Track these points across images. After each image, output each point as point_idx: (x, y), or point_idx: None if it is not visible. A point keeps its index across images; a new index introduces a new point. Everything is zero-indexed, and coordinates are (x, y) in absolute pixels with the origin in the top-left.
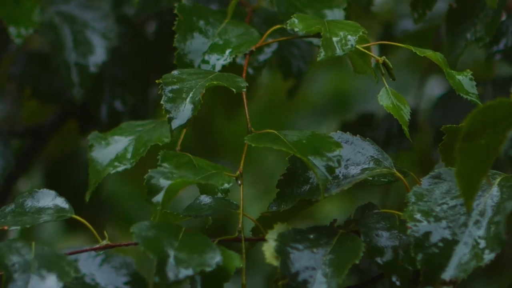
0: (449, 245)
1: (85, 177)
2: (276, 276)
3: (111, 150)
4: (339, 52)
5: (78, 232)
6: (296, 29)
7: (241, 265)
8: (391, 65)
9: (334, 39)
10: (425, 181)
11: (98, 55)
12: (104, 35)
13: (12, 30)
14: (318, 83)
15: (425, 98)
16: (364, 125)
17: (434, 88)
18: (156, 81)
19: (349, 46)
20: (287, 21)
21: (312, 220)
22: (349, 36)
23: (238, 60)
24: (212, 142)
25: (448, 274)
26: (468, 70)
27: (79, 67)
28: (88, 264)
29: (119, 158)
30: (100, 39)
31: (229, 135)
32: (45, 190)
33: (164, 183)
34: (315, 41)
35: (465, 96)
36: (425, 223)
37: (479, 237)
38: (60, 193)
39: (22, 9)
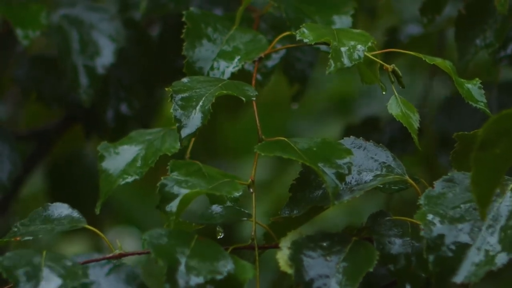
0: (462, 249)
1: (88, 178)
2: (290, 284)
3: (120, 160)
4: (347, 63)
5: (77, 236)
6: (306, 40)
7: (254, 276)
8: (400, 73)
9: (343, 49)
10: (438, 185)
11: (105, 57)
12: (111, 37)
13: (19, 32)
14: (321, 85)
15: (430, 100)
16: (368, 128)
17: (439, 89)
18: (166, 88)
19: (357, 57)
20: (297, 31)
21: (315, 222)
22: (358, 46)
23: (246, 66)
24: (213, 141)
25: (459, 277)
26: (477, 79)
27: (87, 69)
28: (96, 272)
29: (129, 168)
30: (107, 41)
31: (230, 134)
32: (58, 203)
33: (178, 190)
34: (322, 47)
35: (474, 105)
36: (438, 225)
37: (492, 241)
38: (62, 195)
39: (29, 12)
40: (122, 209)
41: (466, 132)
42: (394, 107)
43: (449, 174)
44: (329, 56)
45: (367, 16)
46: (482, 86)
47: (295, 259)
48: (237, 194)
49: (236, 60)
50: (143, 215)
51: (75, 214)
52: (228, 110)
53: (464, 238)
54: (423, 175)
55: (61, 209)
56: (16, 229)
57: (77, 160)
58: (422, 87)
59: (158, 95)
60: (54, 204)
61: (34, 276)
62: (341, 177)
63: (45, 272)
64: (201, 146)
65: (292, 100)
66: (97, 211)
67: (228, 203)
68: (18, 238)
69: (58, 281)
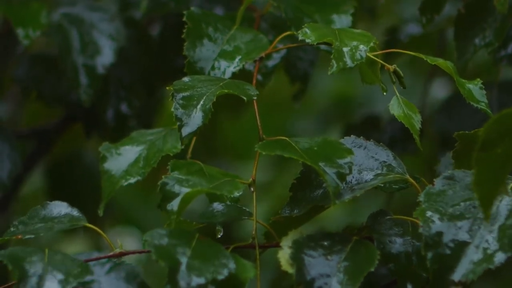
0: (460, 246)
1: (87, 178)
2: (290, 283)
3: (122, 161)
4: (350, 63)
5: (77, 236)
6: (308, 40)
7: (255, 275)
8: (402, 74)
9: (345, 49)
10: (438, 182)
11: (105, 56)
12: (111, 36)
13: (20, 31)
14: (321, 86)
15: (429, 100)
16: (368, 128)
17: (439, 90)
18: (167, 87)
19: (359, 57)
20: (299, 31)
21: (315, 222)
22: (360, 46)
23: (247, 66)
24: (213, 142)
25: (457, 275)
26: (478, 79)
27: (87, 69)
28: (96, 271)
29: (131, 169)
30: (107, 40)
31: (230, 134)
32: (57, 202)
33: (179, 189)
34: (323, 46)
35: (475, 105)
36: (437, 222)
37: (490, 239)
38: (62, 194)
39: (29, 11)
40: (122, 209)
41: (466, 132)
42: (396, 107)
43: (449, 172)
44: (332, 56)
45: (367, 15)
46: (484, 87)
47: (296, 258)
48: (237, 194)
49: (237, 60)
50: (144, 215)
51: (75, 212)
52: (228, 110)
53: (463, 236)
54: (424, 175)
55: (60, 208)
56: (14, 228)
57: (77, 160)
58: (421, 87)
59: (158, 94)
60: (53, 202)
61: (41, 270)
62: (341, 176)
63: (49, 268)
64: (202, 146)
65: (293, 99)
66: (101, 212)
67: (228, 203)
68: (19, 236)
69: (61, 276)
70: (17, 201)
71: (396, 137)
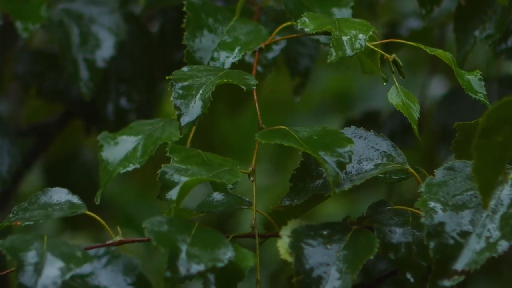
0: (463, 236)
1: (86, 175)
2: (290, 272)
3: (120, 149)
4: (349, 52)
5: (77, 233)
6: (307, 29)
7: (255, 264)
8: (401, 63)
9: (344, 38)
10: (439, 173)
11: (105, 50)
12: (111, 30)
13: (18, 24)
14: (320, 82)
15: (428, 97)
16: (368, 123)
17: (437, 87)
18: (167, 77)
19: (359, 46)
20: (298, 20)
21: (315, 217)
22: (359, 35)
23: (247, 57)
24: (212, 140)
25: (460, 264)
26: (478, 70)
27: (87, 62)
28: (94, 263)
29: (129, 157)
30: (107, 34)
31: (229, 133)
32: (58, 188)
33: (179, 178)
34: (322, 39)
35: (473, 96)
36: (439, 212)
37: (492, 228)
38: None
39: (29, 5)
40: (122, 212)
41: (466, 122)
42: (394, 96)
43: (449, 162)
44: (331, 45)
45: (367, 13)
46: (482, 78)
47: (296, 247)
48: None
49: (236, 50)
50: (144, 218)
51: (75, 199)
52: (228, 107)
53: (465, 225)
54: (424, 170)
55: (60, 194)
56: (13, 215)
57: (77, 157)
58: (420, 85)
59: (158, 89)
60: (54, 189)
61: (38, 259)
62: (341, 165)
63: (48, 255)
64: (200, 145)
65: (294, 93)
66: (97, 201)
67: (229, 192)
68: (18, 223)
69: (60, 264)
70: (17, 198)
71: (395, 132)
